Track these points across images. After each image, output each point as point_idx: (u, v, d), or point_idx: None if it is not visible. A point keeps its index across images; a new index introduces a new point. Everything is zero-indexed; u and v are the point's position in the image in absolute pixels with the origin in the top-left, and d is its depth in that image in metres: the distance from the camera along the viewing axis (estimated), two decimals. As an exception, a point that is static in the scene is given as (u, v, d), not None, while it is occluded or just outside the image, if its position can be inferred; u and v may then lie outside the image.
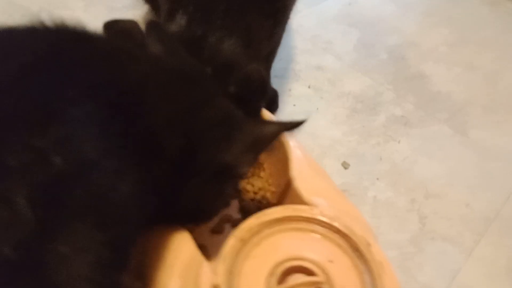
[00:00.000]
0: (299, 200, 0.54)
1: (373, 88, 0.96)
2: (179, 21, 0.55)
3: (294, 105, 0.89)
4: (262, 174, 0.66)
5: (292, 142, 0.62)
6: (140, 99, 0.39)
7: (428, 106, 0.94)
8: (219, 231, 0.60)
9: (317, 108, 0.89)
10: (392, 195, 0.76)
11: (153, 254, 0.46)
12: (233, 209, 0.64)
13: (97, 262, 0.30)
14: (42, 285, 0.28)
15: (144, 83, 0.40)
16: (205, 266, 0.45)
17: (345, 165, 0.79)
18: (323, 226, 0.49)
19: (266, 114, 0.66)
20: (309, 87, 0.93)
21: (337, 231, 0.49)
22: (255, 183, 0.65)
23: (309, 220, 0.50)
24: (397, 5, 1.23)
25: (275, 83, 0.90)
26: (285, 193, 0.58)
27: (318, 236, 0.49)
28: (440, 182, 0.79)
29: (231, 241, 0.46)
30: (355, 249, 0.48)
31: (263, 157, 0.68)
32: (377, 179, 0.78)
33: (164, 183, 0.41)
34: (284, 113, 0.87)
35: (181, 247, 0.47)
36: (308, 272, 0.47)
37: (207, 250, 0.55)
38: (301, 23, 1.10)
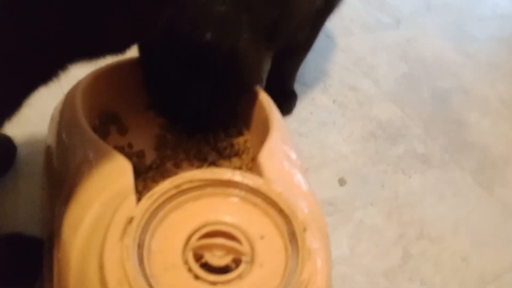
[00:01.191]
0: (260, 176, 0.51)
1: (402, 120, 0.91)
2: None
3: (312, 113, 0.86)
4: (244, 156, 0.64)
5: (280, 125, 0.60)
6: None
7: (456, 152, 0.87)
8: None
9: (335, 122, 0.86)
10: (381, 223, 0.70)
11: (88, 176, 0.46)
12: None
13: None
14: None
15: None
16: (131, 200, 0.44)
17: (342, 182, 0.75)
18: (268, 203, 0.46)
19: (265, 99, 0.65)
20: (334, 101, 0.90)
21: (279, 210, 0.45)
22: (234, 162, 0.63)
23: (256, 193, 0.47)
24: (460, 53, 1.17)
25: (299, 89, 0.88)
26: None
27: (258, 211, 0.46)
28: (440, 227, 0.72)
29: (166, 184, 0.45)
30: (291, 233, 0.44)
31: (252, 141, 0.67)
32: (371, 204, 0.72)
33: None
34: (298, 118, 0.85)
35: (118, 176, 0.46)
36: (236, 241, 0.44)
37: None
38: (350, 44, 1.08)
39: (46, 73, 0.37)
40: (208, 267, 0.42)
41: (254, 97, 0.67)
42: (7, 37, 0.31)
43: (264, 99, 0.65)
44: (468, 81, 1.07)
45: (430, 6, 1.37)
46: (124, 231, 0.40)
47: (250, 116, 0.68)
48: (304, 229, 0.43)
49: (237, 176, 0.47)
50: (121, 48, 0.47)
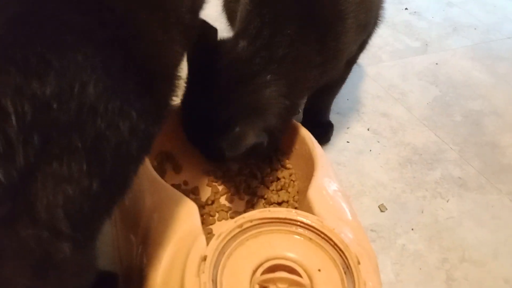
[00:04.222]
0: (310, 211, 0.56)
1: (437, 145, 0.94)
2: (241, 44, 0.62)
3: (348, 142, 0.91)
4: (290, 189, 0.69)
5: (324, 162, 0.64)
6: (134, 28, 0.38)
7: (492, 175, 0.89)
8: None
9: (370, 150, 0.90)
10: (423, 248, 0.73)
11: (161, 219, 0.52)
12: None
13: (77, 195, 0.33)
14: (22, 209, 0.31)
15: (132, 9, 0.39)
16: (201, 239, 0.49)
17: (382, 208, 0.78)
18: (322, 238, 0.51)
19: (307, 135, 0.70)
20: (368, 129, 0.95)
21: (333, 245, 0.50)
22: (281, 195, 0.68)
23: (311, 229, 0.51)
24: (490, 74, 1.20)
25: (334, 119, 0.93)
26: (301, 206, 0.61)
27: (313, 245, 0.51)
28: (482, 250, 0.74)
29: (230, 224, 0.50)
30: (346, 265, 0.48)
31: (297, 174, 0.72)
32: (412, 229, 0.76)
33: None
34: (335, 147, 0.89)
35: (187, 218, 0.52)
36: (295, 274, 0.48)
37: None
38: (380, 72, 1.13)
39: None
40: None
41: (296, 133, 0.72)
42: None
43: (306, 135, 0.71)
44: (499, 102, 1.09)
45: (456, 27, 1.40)
46: (199, 268, 0.45)
47: (293, 151, 0.73)
48: (358, 262, 0.47)
49: (292, 214, 0.52)
50: None
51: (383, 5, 0.79)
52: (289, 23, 0.62)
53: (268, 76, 0.61)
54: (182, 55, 0.48)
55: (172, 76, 0.45)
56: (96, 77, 0.34)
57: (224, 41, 0.64)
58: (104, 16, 0.37)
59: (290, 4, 0.63)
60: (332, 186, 0.61)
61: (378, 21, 0.79)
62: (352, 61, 0.80)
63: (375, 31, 0.80)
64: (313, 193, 0.58)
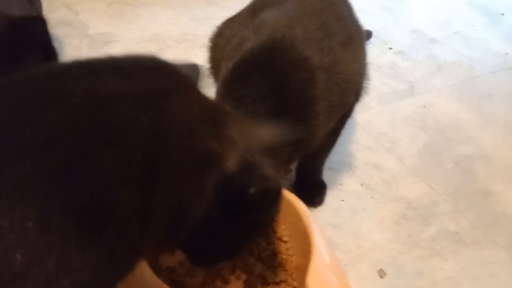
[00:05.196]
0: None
1: (430, 197, 0.94)
2: None
3: (342, 200, 0.90)
4: (288, 266, 0.68)
5: (320, 241, 0.64)
6: (78, 173, 0.36)
7: (487, 227, 0.89)
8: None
9: (365, 208, 0.90)
10: (424, 316, 0.72)
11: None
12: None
13: None
14: None
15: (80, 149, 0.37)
16: None
17: (381, 274, 0.78)
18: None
19: (301, 209, 0.70)
20: (361, 184, 0.95)
21: None
22: (279, 274, 0.67)
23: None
24: (478, 115, 1.21)
25: (327, 175, 0.93)
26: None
27: None
28: (482, 314, 0.74)
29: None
30: None
31: (293, 248, 0.71)
32: (412, 295, 0.75)
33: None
34: (330, 207, 0.89)
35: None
36: None
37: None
38: (369, 120, 1.13)
39: None
40: None
41: (291, 206, 0.72)
42: None
43: (301, 210, 0.70)
44: (488, 145, 1.10)
45: (441, 65, 1.42)
46: None
47: (288, 223, 0.73)
48: None
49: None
50: None
51: (364, 80, 0.80)
52: (262, 101, 0.64)
53: None
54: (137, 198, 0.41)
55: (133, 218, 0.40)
56: (27, 241, 0.33)
57: None
58: (45, 164, 0.35)
59: (262, 86, 0.65)
60: (328, 274, 0.60)
61: (361, 95, 0.80)
62: (335, 131, 0.81)
63: (359, 102, 0.81)
64: (311, 283, 0.57)
